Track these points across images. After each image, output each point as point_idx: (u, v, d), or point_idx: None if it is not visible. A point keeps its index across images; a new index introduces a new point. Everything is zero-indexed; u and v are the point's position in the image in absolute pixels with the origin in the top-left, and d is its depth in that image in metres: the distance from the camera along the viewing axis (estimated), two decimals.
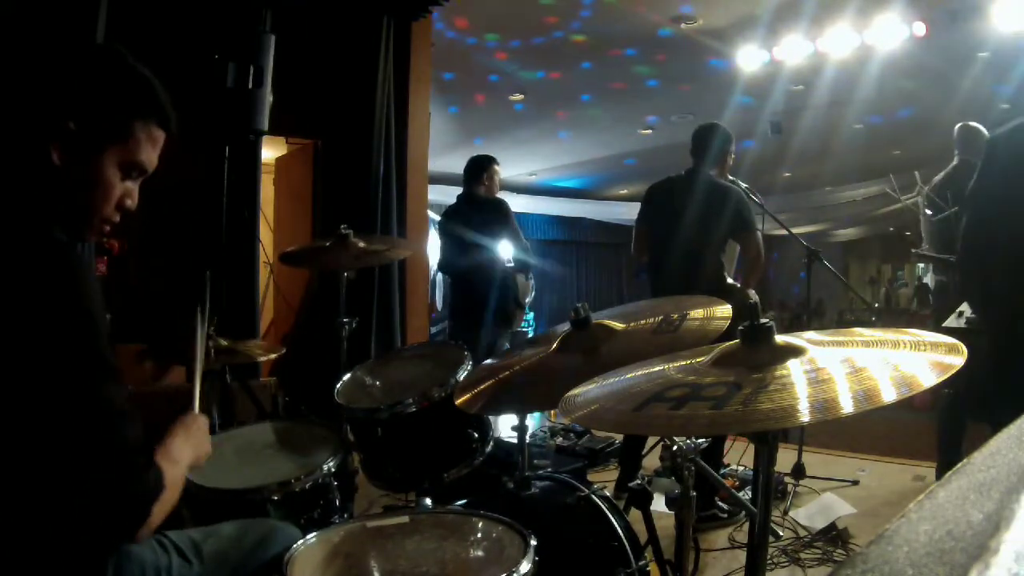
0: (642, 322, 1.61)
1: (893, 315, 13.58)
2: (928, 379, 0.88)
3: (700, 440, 1.21)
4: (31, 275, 0.99)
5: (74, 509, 0.98)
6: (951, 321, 3.03)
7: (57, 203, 1.08)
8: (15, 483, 0.97)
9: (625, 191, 12.54)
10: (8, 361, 0.96)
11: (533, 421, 4.54)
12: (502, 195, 4.63)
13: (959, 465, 0.45)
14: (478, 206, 4.33)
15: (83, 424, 0.98)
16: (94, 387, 1.00)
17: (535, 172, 11.03)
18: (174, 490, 1.10)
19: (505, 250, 4.36)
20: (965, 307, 3.00)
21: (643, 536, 1.60)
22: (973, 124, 4.12)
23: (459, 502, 1.59)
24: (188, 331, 1.65)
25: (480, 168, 4.39)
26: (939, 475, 3.51)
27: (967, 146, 4.07)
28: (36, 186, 1.06)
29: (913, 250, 4.46)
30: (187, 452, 1.23)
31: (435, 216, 5.91)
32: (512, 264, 4.38)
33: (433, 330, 6.42)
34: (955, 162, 4.13)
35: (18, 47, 1.06)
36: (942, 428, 3.38)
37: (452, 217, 4.45)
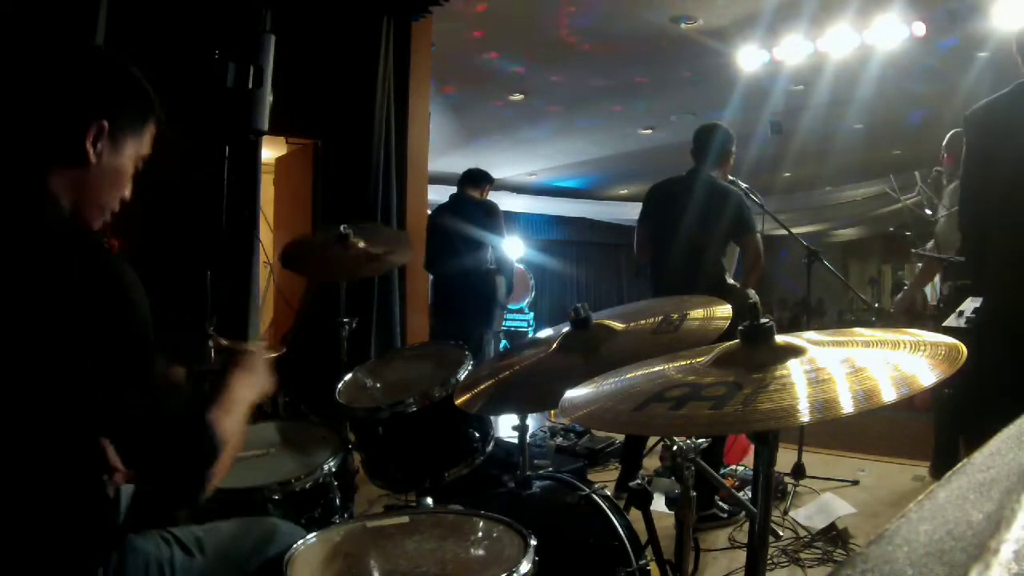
0: (642, 322, 1.61)
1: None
2: (928, 379, 0.88)
3: (700, 440, 1.21)
4: (72, 268, 1.02)
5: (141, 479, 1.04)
6: (951, 321, 3.01)
7: (87, 196, 1.14)
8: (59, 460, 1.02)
9: (625, 191, 12.53)
10: (45, 342, 0.99)
11: (533, 421, 4.54)
12: (496, 197, 4.94)
13: (959, 465, 0.45)
14: (475, 206, 4.59)
15: (130, 401, 1.03)
16: (137, 364, 1.04)
17: (535, 172, 11.03)
18: (233, 438, 1.15)
19: (492, 251, 4.61)
20: (965, 307, 2.99)
21: (643, 536, 1.60)
22: None
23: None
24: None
25: (484, 180, 4.71)
26: (936, 475, 3.50)
27: None
28: (70, 180, 1.12)
29: (913, 250, 4.44)
30: (246, 394, 1.27)
31: None
32: (494, 266, 4.61)
33: None
34: None
35: (29, 48, 1.11)
36: (939, 428, 3.36)
37: (450, 214, 4.59)
